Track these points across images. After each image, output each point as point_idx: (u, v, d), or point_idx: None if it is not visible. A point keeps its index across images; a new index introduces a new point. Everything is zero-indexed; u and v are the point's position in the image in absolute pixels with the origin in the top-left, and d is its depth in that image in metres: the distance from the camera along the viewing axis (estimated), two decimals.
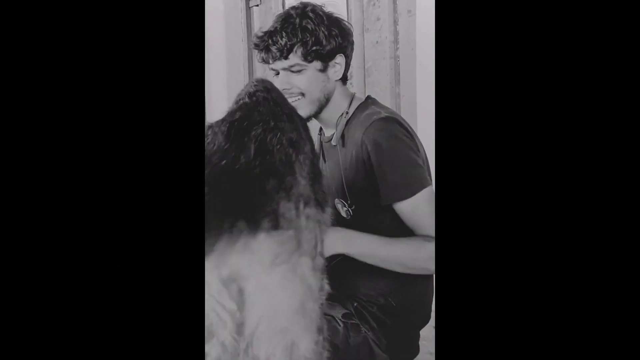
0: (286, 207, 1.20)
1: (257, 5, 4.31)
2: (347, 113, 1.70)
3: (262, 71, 4.17)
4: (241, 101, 1.34)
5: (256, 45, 1.68)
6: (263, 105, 1.34)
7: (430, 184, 1.59)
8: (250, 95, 1.36)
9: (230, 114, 1.31)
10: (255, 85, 1.41)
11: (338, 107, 1.73)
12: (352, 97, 1.75)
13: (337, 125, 1.71)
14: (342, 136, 1.68)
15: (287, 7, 3.85)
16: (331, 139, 1.72)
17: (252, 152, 1.22)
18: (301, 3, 1.67)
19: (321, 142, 1.82)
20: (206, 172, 1.16)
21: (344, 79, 1.74)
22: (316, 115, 1.72)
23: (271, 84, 1.45)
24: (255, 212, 1.16)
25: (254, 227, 1.15)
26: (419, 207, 1.56)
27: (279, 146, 1.26)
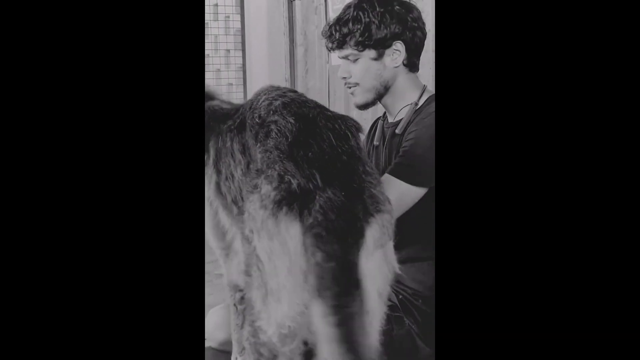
0: (378, 191, 1.22)
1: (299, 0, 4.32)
2: (416, 104, 1.69)
3: (303, 64, 4.19)
4: (276, 102, 1.33)
5: (322, 34, 1.72)
6: (309, 101, 1.34)
7: (428, 187, 1.55)
8: (274, 100, 1.35)
9: (275, 112, 1.29)
10: (270, 96, 1.38)
11: (404, 96, 1.71)
12: (423, 89, 1.72)
13: (404, 114, 1.69)
14: (407, 126, 1.66)
15: (329, 1, 3.88)
16: (394, 125, 1.71)
17: (333, 139, 1.23)
18: None
19: (383, 128, 1.80)
20: (291, 163, 1.18)
21: (411, 67, 1.71)
22: (374, 103, 1.71)
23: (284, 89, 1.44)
24: (362, 198, 1.18)
25: (366, 212, 1.18)
26: (397, 192, 1.53)
27: (349, 132, 1.27)
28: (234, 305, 1.48)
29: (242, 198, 1.31)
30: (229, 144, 1.37)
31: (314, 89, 4.12)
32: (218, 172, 1.40)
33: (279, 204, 1.15)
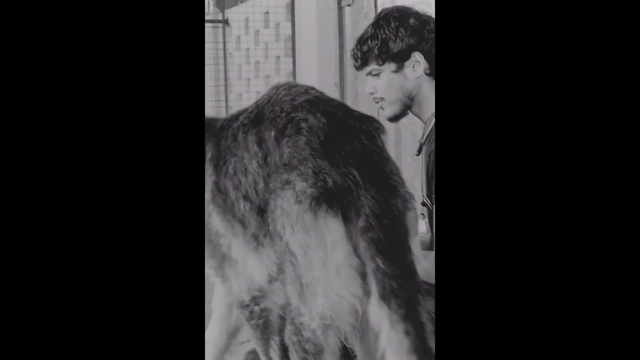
0: (404, 190, 1.27)
1: (349, 5, 4.34)
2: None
3: (352, 70, 4.19)
4: (300, 99, 1.38)
5: (350, 55, 1.80)
6: (332, 100, 1.39)
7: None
8: (297, 97, 1.41)
9: (302, 108, 1.34)
10: (292, 92, 1.43)
11: (430, 105, 1.72)
12: None
13: (425, 124, 1.73)
14: (429, 134, 1.70)
15: (379, 6, 3.88)
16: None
17: (363, 138, 1.28)
18: (380, 11, 1.77)
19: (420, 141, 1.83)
20: (326, 161, 1.22)
21: (433, 76, 1.72)
22: (403, 114, 1.75)
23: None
24: (397, 196, 1.24)
25: (404, 207, 1.25)
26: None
27: (375, 133, 1.31)
28: (247, 321, 1.50)
29: (256, 192, 1.35)
30: (241, 137, 1.40)
31: (363, 94, 4.12)
32: (218, 170, 1.44)
33: (317, 200, 1.19)
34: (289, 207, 1.21)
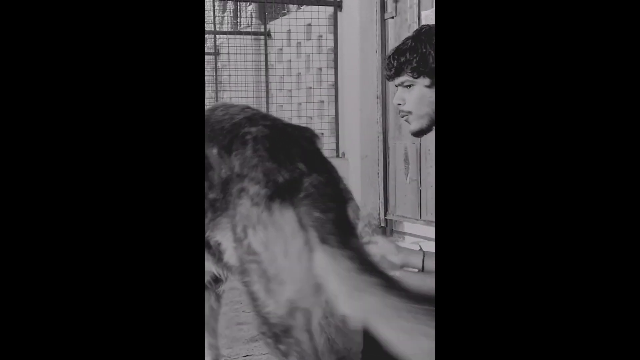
0: (345, 185, 1.40)
1: (392, 18, 4.32)
2: None
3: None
4: (239, 117, 1.48)
5: (383, 65, 1.87)
6: (268, 114, 1.52)
7: None
8: (235, 115, 1.51)
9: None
10: (228, 112, 1.52)
11: None
12: None
13: None
14: None
15: (422, 19, 3.87)
16: None
17: (306, 142, 1.44)
18: (422, 25, 1.83)
19: None
20: (275, 164, 1.33)
21: None
22: (428, 129, 1.79)
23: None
24: (340, 185, 1.39)
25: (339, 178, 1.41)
26: None
27: (314, 140, 1.45)
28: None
29: None
30: None
31: None
32: None
33: (270, 198, 1.29)
34: (247, 210, 1.30)
